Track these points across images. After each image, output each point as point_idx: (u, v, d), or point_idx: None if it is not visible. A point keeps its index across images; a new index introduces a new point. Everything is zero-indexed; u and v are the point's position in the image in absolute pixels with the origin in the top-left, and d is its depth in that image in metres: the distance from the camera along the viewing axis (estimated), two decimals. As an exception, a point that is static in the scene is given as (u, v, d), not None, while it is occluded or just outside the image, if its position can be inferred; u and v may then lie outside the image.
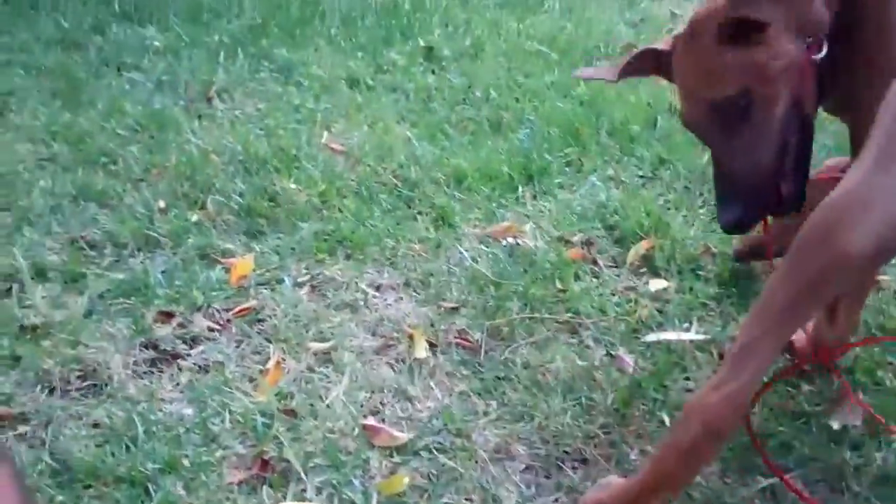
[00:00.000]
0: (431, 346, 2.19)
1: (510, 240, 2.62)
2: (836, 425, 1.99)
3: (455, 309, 2.32)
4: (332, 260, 2.48)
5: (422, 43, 4.03)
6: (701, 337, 2.27)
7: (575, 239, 2.67)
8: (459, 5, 4.66)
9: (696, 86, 1.89)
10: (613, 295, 2.44)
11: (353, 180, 2.87)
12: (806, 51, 1.83)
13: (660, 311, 2.38)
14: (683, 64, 1.93)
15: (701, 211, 2.85)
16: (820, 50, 1.84)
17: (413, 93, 3.56)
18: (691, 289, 2.48)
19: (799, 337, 2.17)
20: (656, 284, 2.49)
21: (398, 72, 3.74)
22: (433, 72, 3.80)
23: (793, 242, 1.49)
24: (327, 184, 2.80)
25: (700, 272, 2.55)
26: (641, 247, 2.62)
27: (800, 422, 2.00)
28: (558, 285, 2.44)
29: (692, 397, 1.62)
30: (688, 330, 2.32)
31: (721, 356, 2.08)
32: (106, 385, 2.00)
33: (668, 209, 2.84)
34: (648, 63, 2.05)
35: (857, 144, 1.85)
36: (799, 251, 1.48)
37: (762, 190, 1.87)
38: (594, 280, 2.50)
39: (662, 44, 2.01)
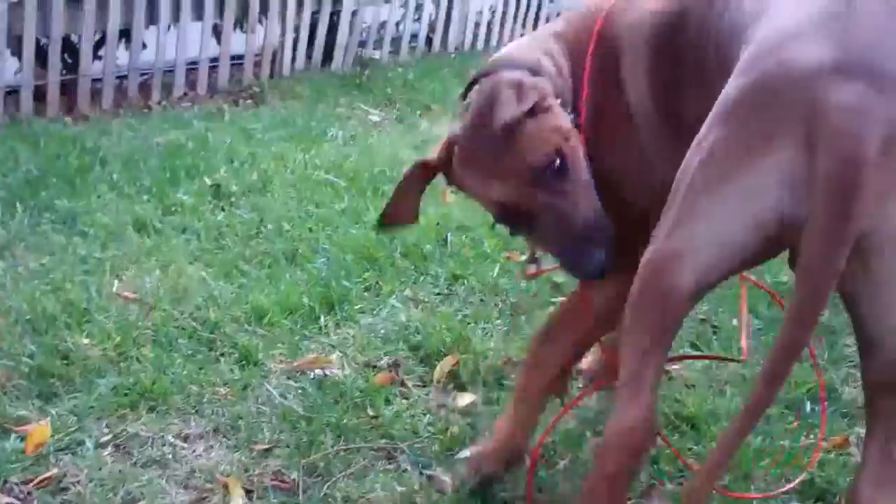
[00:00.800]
0: (248, 492, 2.14)
1: (318, 371, 2.62)
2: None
3: (268, 450, 2.29)
4: (135, 415, 2.39)
5: (208, 181, 4.01)
6: (512, 446, 2.32)
7: (382, 363, 2.70)
8: (243, 141, 4.68)
9: (508, 165, 1.94)
10: (425, 415, 2.47)
11: (149, 328, 2.80)
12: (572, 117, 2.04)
13: (470, 426, 2.43)
14: (481, 155, 1.97)
15: (498, 322, 2.95)
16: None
17: (204, 232, 3.54)
18: (498, 400, 2.55)
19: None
20: (464, 399, 2.55)
21: (186, 212, 3.71)
22: (223, 209, 3.79)
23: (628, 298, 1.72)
24: (122, 335, 2.72)
25: (504, 382, 2.63)
26: (446, 363, 2.68)
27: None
28: (370, 412, 2.45)
29: (603, 435, 1.80)
30: (499, 441, 2.37)
31: (533, 462, 2.14)
32: None
33: (468, 323, 2.92)
34: (425, 176, 2.12)
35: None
36: (637, 302, 1.71)
37: (605, 229, 1.97)
38: (405, 402, 2.53)
39: (432, 155, 2.08)
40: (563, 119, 1.99)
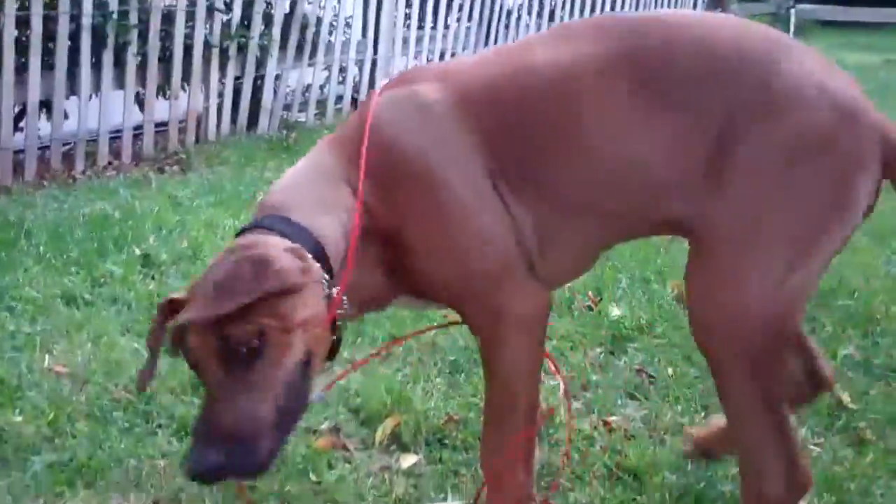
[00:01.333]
0: (192, 565, 2.11)
1: (257, 439, 2.58)
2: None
3: (211, 521, 2.26)
4: (72, 492, 2.34)
5: (137, 251, 3.97)
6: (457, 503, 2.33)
7: (322, 427, 2.68)
8: (171, 208, 4.65)
9: (210, 325, 1.74)
10: (368, 477, 2.46)
11: (83, 402, 2.74)
12: (330, 307, 1.87)
13: (414, 487, 2.43)
14: (202, 302, 1.76)
15: (437, 380, 2.96)
16: (340, 305, 1.90)
17: (135, 302, 3.49)
18: (441, 459, 2.55)
19: None
20: (407, 460, 2.55)
21: (116, 283, 3.66)
22: (153, 278, 3.75)
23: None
24: (56, 410, 2.67)
25: (446, 441, 2.63)
26: (388, 425, 2.68)
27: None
28: (313, 477, 2.44)
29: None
30: (444, 500, 2.37)
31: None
32: None
33: (407, 384, 2.92)
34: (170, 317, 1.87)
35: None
36: (763, 358, 1.86)
37: (250, 442, 1.73)
38: (347, 465, 2.52)
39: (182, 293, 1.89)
40: (303, 306, 1.80)
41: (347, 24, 7.55)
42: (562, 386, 2.10)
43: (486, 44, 8.72)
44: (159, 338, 1.90)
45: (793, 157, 1.81)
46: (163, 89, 6.18)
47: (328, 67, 7.32)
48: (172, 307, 1.86)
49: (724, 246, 1.87)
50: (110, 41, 5.65)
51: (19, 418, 2.62)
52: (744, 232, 1.84)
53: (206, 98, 6.36)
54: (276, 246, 1.82)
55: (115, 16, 5.62)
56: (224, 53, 6.37)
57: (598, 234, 2.08)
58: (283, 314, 1.77)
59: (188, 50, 6.13)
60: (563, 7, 9.76)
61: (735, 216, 1.85)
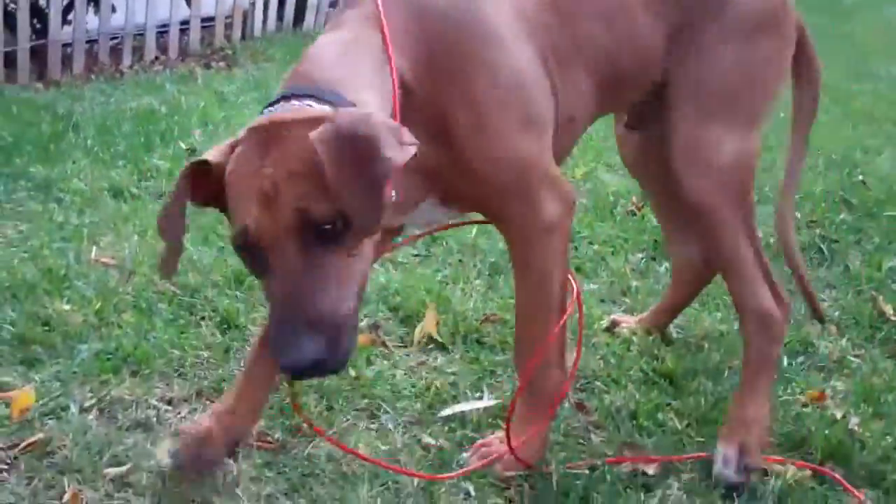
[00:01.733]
0: (232, 452, 2.16)
1: (298, 334, 2.62)
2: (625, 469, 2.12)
3: (252, 411, 2.30)
4: (118, 379, 2.40)
5: (183, 145, 4.00)
6: (493, 403, 2.36)
7: (362, 324, 2.71)
8: (217, 104, 4.66)
9: (286, 192, 1.58)
10: (406, 374, 2.50)
11: (129, 293, 2.80)
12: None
13: (451, 385, 2.46)
14: (268, 163, 1.61)
15: (476, 282, 2.98)
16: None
17: (181, 197, 3.52)
18: (477, 359, 2.58)
19: None
20: (444, 358, 2.58)
21: (162, 177, 3.70)
22: (199, 173, 3.78)
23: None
24: (102, 300, 2.73)
25: (484, 340, 2.66)
26: (427, 323, 2.70)
27: (595, 472, 2.11)
28: (352, 373, 2.47)
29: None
30: (480, 398, 2.41)
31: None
32: None
33: (446, 284, 2.94)
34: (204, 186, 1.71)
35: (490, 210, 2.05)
36: (747, 191, 2.18)
37: (341, 335, 1.60)
38: (386, 362, 2.56)
39: (216, 154, 1.70)
40: (391, 191, 1.65)
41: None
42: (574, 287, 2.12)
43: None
44: (181, 213, 1.72)
45: (751, 34, 2.16)
46: (210, -16, 6.14)
47: (376, -36, 7.21)
48: (202, 172, 1.68)
49: (702, 109, 2.16)
50: (157, -67, 5.60)
51: (67, 307, 2.68)
52: (717, 95, 2.16)
53: (253, -7, 6.31)
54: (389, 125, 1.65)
55: None
56: (271, -52, 6.30)
57: (603, 103, 2.23)
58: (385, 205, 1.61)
59: (235, -56, 6.07)
60: None
61: (709, 83, 2.16)
